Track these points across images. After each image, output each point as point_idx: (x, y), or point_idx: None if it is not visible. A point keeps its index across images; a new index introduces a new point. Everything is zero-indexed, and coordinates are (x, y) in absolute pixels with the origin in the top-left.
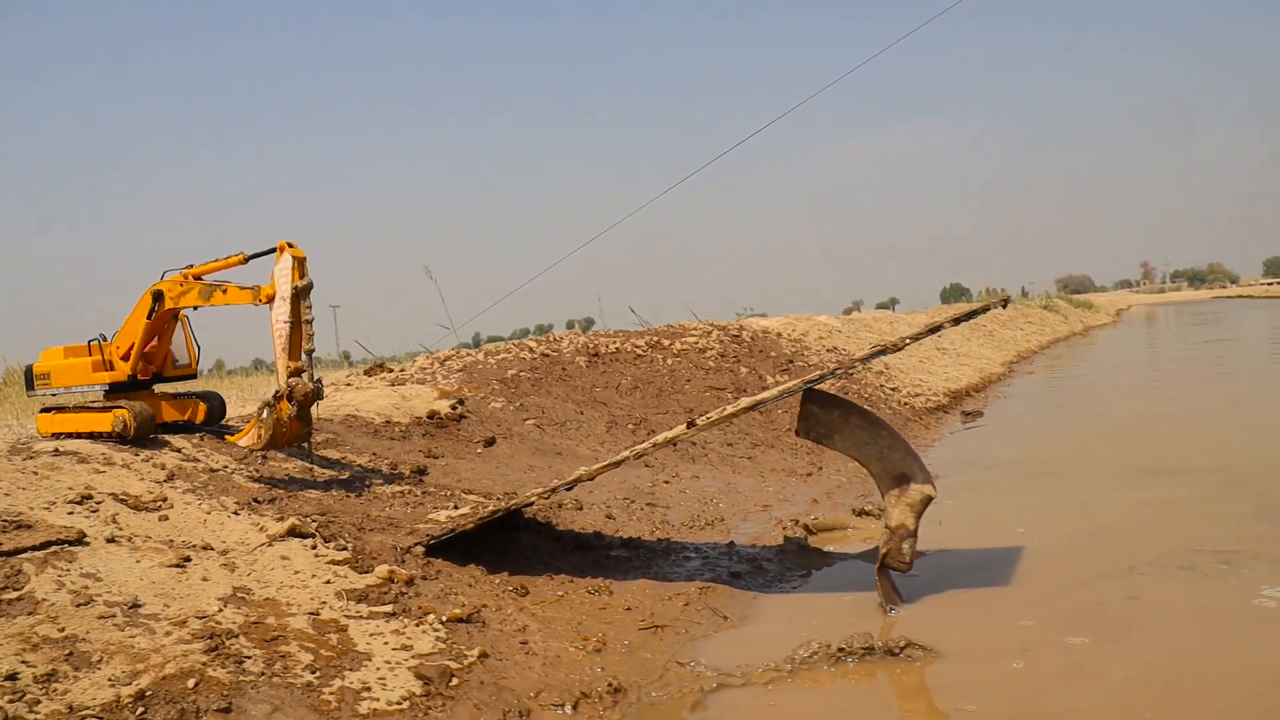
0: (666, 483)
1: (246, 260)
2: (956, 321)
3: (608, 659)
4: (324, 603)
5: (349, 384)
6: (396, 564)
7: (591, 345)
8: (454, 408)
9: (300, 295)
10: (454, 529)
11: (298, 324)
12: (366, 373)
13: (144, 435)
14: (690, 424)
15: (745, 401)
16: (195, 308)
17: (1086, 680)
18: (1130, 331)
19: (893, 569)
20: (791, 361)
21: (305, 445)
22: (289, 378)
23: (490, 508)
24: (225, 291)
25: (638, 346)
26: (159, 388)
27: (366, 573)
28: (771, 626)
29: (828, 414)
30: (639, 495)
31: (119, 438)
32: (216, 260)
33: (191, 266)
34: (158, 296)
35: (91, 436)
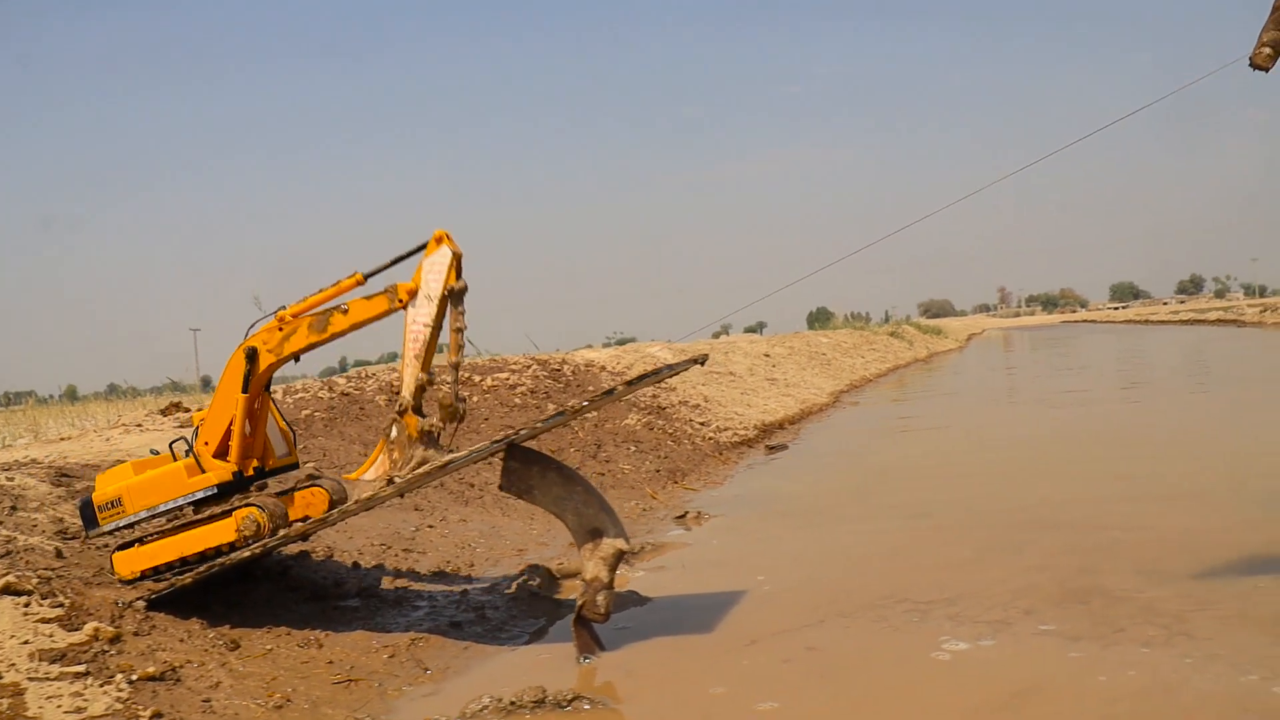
0: (431, 526)
1: (364, 280)
2: (631, 384)
3: (288, 715)
4: (12, 665)
5: (139, 425)
6: (114, 620)
7: (396, 383)
8: None
9: (454, 299)
10: (173, 584)
11: (437, 330)
12: (162, 412)
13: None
14: (390, 481)
15: (437, 461)
16: (305, 350)
17: None
18: (969, 358)
19: (590, 620)
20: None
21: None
22: (416, 391)
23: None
24: (346, 311)
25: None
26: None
27: (76, 630)
28: (469, 678)
29: (527, 469)
30: (398, 540)
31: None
32: (321, 290)
33: (284, 308)
34: (251, 356)
35: (202, 559)
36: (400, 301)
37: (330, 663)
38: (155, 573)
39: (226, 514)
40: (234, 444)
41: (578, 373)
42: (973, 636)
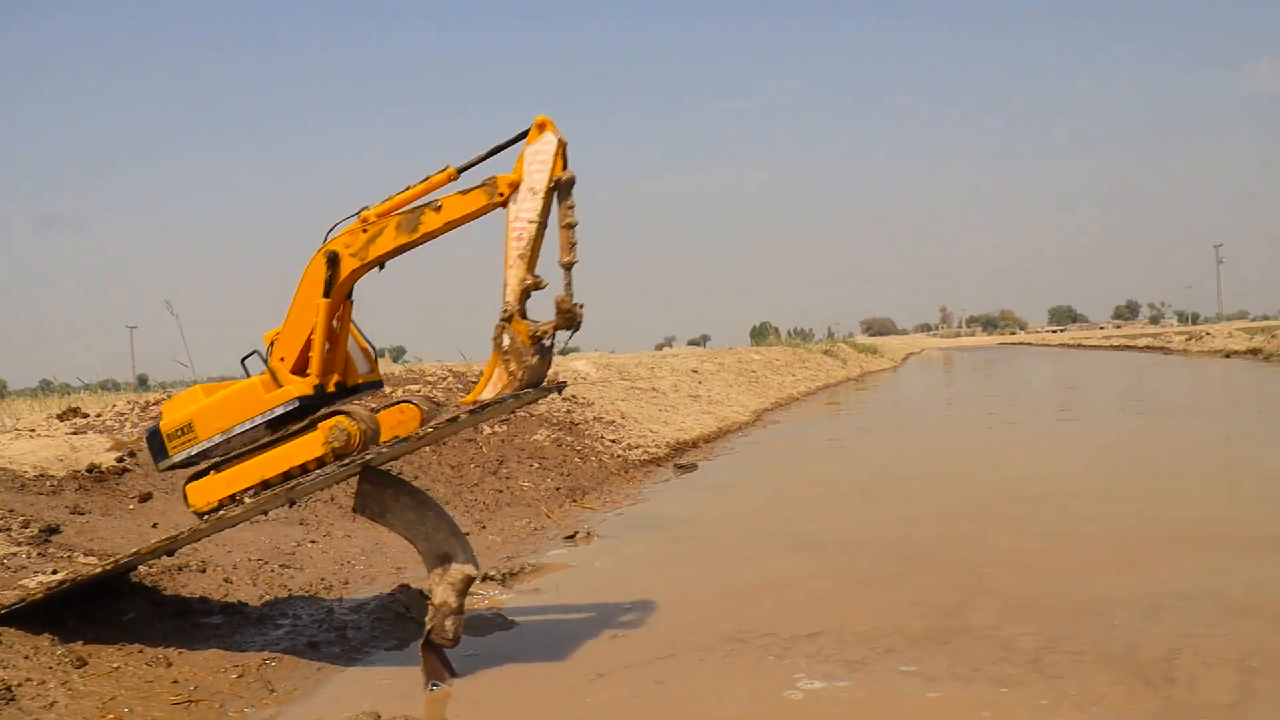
0: (313, 542)
1: (458, 175)
2: (474, 413)
3: None
4: None
5: (32, 431)
6: None
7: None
8: (120, 460)
9: (561, 192)
10: (24, 599)
11: (543, 227)
12: (60, 416)
13: (369, 448)
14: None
15: (265, 497)
16: (391, 254)
17: None
18: (902, 378)
19: (439, 645)
20: (513, 411)
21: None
22: (521, 294)
23: (60, 577)
24: (439, 209)
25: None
26: None
27: None
28: (314, 701)
29: (381, 493)
30: (276, 556)
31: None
32: (408, 188)
33: (367, 207)
34: (332, 260)
35: (287, 479)
36: (501, 196)
37: (175, 682)
38: (233, 501)
39: (310, 428)
40: (314, 356)
41: None
42: (829, 675)
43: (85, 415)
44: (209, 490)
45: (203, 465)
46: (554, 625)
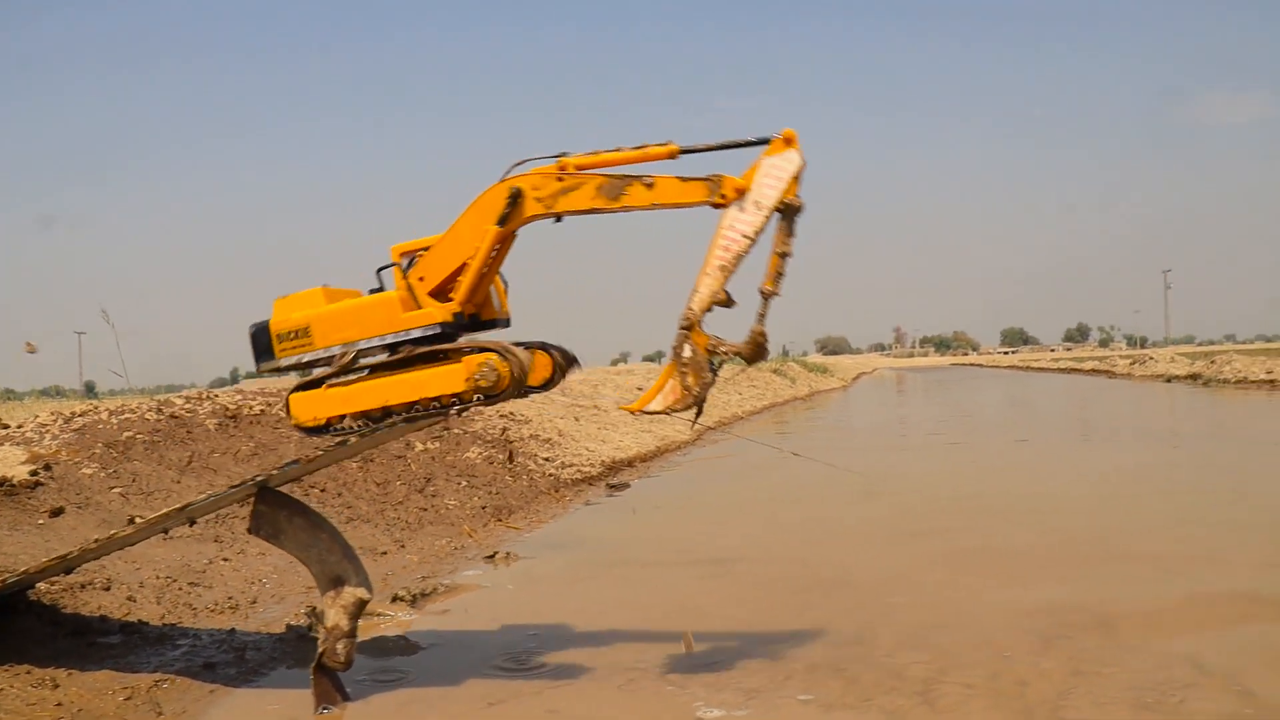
0: (226, 559)
1: (678, 154)
2: (363, 434)
3: None
4: None
5: None
6: None
7: (232, 407)
8: (33, 474)
9: (787, 216)
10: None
11: (754, 244)
12: None
13: (518, 393)
14: (131, 520)
15: (161, 513)
16: (580, 213)
17: None
18: (850, 398)
19: (331, 668)
20: (446, 429)
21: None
22: (708, 305)
23: None
24: (651, 186)
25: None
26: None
27: None
28: None
29: (275, 514)
30: (186, 574)
31: (482, 399)
32: (618, 149)
33: (565, 155)
34: (515, 197)
35: (409, 411)
36: (722, 198)
37: (59, 705)
38: (341, 422)
39: (443, 358)
40: (465, 281)
41: None
42: (728, 704)
43: (5, 426)
44: (318, 405)
45: (312, 376)
46: (455, 650)
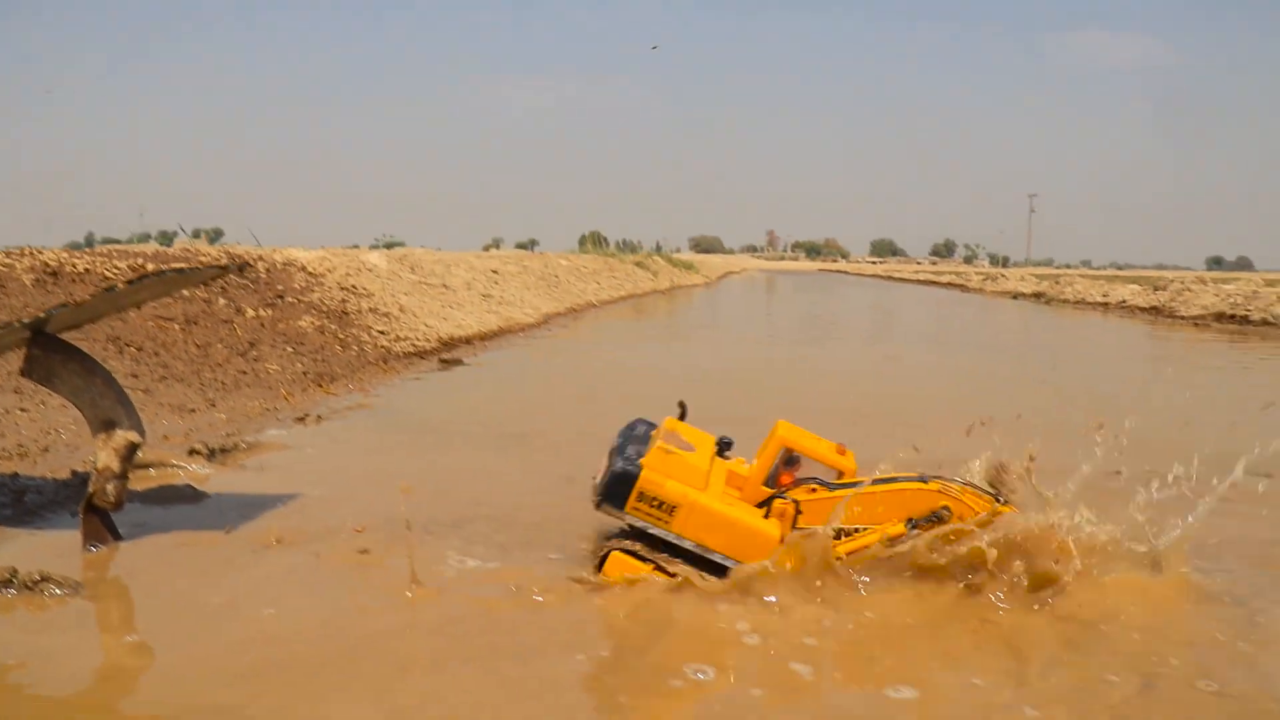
0: (24, 410)
1: None
2: (132, 284)
3: None
4: None
5: None
6: None
7: (54, 263)
8: None
9: None
10: None
11: None
12: None
13: None
14: None
15: None
16: None
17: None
18: (709, 295)
19: (101, 509)
20: (281, 297)
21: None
22: None
23: None
24: None
25: (117, 270)
26: None
27: None
28: None
29: (49, 358)
30: None
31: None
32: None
33: None
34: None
35: None
36: None
37: None
38: None
39: None
40: None
41: (273, 271)
42: (481, 557)
43: None
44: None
45: None
46: (240, 502)
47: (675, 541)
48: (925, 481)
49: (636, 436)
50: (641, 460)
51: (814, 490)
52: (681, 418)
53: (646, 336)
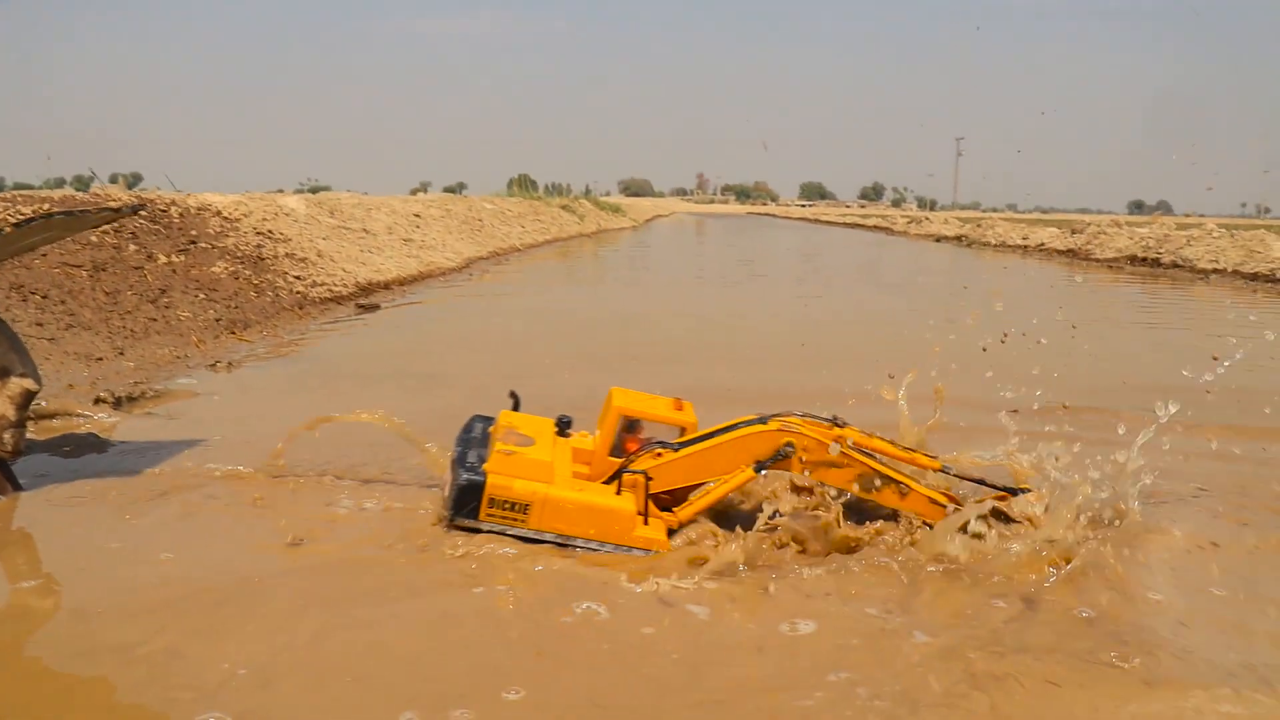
0: None
1: (939, 470)
2: (18, 225)
3: None
4: None
5: None
6: None
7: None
8: None
9: None
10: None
11: None
12: None
13: None
14: None
15: None
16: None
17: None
18: (635, 238)
19: (0, 458)
20: (194, 242)
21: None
22: None
23: None
24: (905, 495)
25: (21, 215)
26: None
27: None
28: None
29: None
30: None
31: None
32: (895, 444)
33: (838, 419)
34: (784, 453)
35: None
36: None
37: None
38: None
39: None
40: (700, 504)
41: (186, 216)
42: (370, 498)
43: None
44: None
45: None
46: (144, 450)
47: (536, 538)
48: (765, 422)
49: (475, 440)
50: (484, 466)
51: (659, 455)
52: (515, 408)
53: (570, 280)
